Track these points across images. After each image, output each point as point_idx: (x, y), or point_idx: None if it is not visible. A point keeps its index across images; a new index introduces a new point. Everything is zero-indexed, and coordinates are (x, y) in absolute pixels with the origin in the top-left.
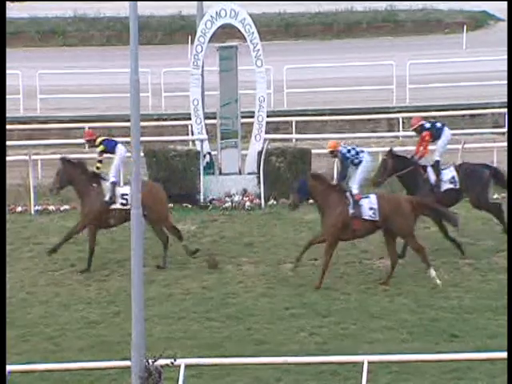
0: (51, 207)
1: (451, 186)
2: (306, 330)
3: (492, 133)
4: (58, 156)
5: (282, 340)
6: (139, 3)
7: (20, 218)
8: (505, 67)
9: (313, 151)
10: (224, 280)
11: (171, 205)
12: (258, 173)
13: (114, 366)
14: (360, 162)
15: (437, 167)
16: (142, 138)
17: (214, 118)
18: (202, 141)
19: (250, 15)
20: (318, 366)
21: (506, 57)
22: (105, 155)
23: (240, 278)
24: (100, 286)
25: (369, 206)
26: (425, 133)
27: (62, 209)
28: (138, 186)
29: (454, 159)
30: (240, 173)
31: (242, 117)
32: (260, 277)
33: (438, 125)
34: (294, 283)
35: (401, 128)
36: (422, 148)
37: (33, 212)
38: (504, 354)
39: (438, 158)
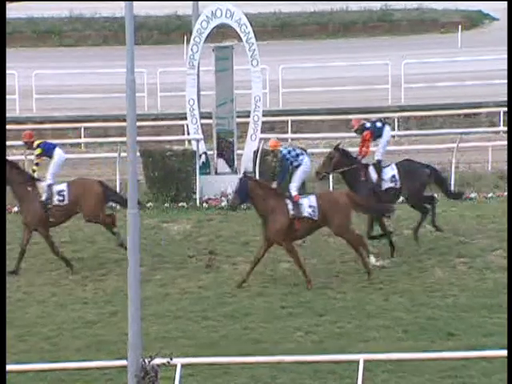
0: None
1: (392, 184)
2: (303, 328)
3: (487, 132)
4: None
5: (279, 339)
6: (135, 3)
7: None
8: (500, 66)
9: (308, 151)
10: (220, 279)
11: (166, 204)
12: (254, 172)
13: (111, 366)
14: (299, 164)
15: (378, 166)
16: (138, 138)
17: (210, 117)
18: (197, 140)
19: (246, 15)
20: (314, 365)
21: (500, 56)
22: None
23: (236, 277)
24: (96, 286)
25: (308, 204)
26: (365, 132)
27: None
28: (134, 186)
29: (449, 157)
30: (236, 172)
31: (238, 116)
32: (256, 276)
33: (379, 124)
34: (290, 282)
35: (396, 127)
36: (364, 148)
37: None
38: (500, 352)
39: (379, 158)
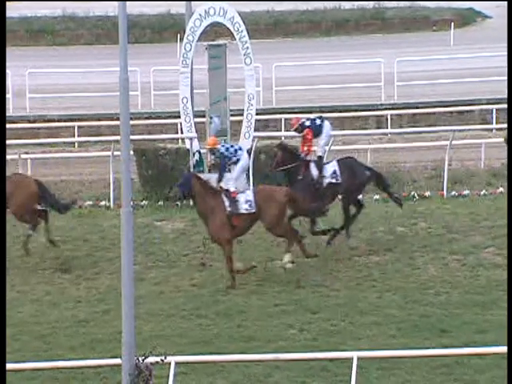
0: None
1: (333, 180)
2: (296, 326)
3: (480, 129)
4: (48, 155)
5: (272, 337)
6: (128, 2)
7: (10, 217)
8: (492, 64)
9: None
10: (214, 277)
11: (160, 203)
12: (248, 170)
13: (105, 364)
14: (238, 160)
15: (319, 163)
16: (132, 137)
17: (204, 116)
18: (191, 139)
19: (239, 13)
20: (307, 362)
21: (493, 54)
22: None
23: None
24: (90, 285)
25: (245, 199)
26: (306, 131)
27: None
28: (128, 184)
29: (441, 155)
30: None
31: (231, 115)
32: (249, 274)
33: (318, 121)
34: (284, 280)
35: (389, 125)
36: (305, 147)
37: None
38: (493, 349)
39: (320, 154)
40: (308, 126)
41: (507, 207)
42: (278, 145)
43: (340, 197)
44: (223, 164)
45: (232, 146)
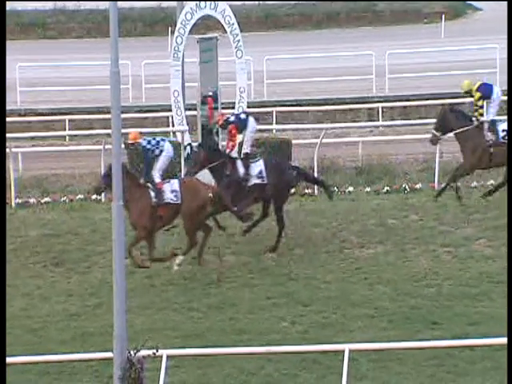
0: (32, 200)
1: (259, 180)
2: (288, 319)
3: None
4: (39, 149)
5: (264, 329)
6: None
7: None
8: (483, 56)
9: (293, 141)
10: (205, 270)
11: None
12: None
13: (96, 358)
14: (161, 151)
15: (246, 160)
16: (123, 130)
17: (195, 109)
18: (182, 132)
19: (230, 6)
20: (299, 355)
21: (484, 46)
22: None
23: (221, 268)
24: (81, 278)
25: (170, 189)
26: (230, 126)
27: (42, 201)
28: (118, 178)
29: (432, 147)
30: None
31: (223, 108)
32: (241, 267)
33: (243, 116)
34: (275, 273)
35: (380, 118)
36: (231, 142)
37: (13, 205)
38: (484, 341)
39: (246, 151)
40: (232, 122)
41: (507, 207)
42: (199, 144)
43: (269, 197)
44: (147, 158)
45: (154, 139)
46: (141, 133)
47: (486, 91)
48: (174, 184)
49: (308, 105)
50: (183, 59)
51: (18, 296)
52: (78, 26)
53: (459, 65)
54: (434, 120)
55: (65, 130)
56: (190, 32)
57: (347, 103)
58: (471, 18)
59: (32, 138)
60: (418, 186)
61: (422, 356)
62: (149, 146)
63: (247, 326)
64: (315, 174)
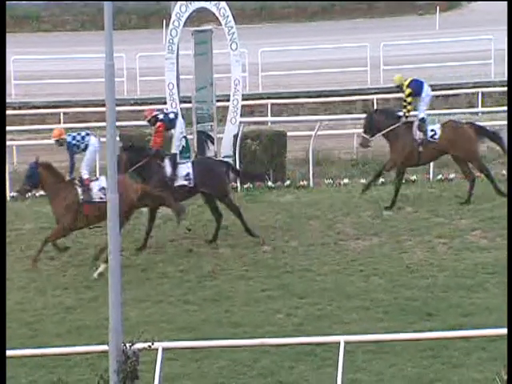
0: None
1: (185, 182)
2: (283, 311)
3: (466, 113)
4: (34, 142)
5: (259, 322)
6: None
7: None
8: (478, 47)
9: (288, 134)
10: (200, 263)
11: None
12: (234, 156)
13: (92, 351)
14: (87, 146)
15: (174, 160)
16: (118, 123)
17: (190, 101)
18: None
19: None
20: (295, 347)
21: (478, 37)
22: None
23: (216, 260)
24: (76, 272)
25: (99, 187)
26: (158, 124)
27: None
28: (114, 171)
29: None
30: (216, 156)
31: (218, 100)
32: (236, 259)
33: (171, 116)
34: (271, 265)
35: None
36: (157, 139)
37: (8, 198)
38: (479, 332)
39: (174, 151)
40: (161, 120)
41: (507, 205)
42: (120, 147)
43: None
44: (72, 153)
45: (78, 134)
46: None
47: (416, 88)
48: (102, 181)
49: (303, 97)
50: (178, 52)
51: (13, 289)
52: (72, 18)
53: (454, 56)
54: (429, 111)
55: (59, 123)
56: (185, 24)
57: (342, 95)
58: (466, 9)
59: (27, 131)
60: (413, 177)
61: (418, 347)
62: (74, 142)
63: (242, 318)
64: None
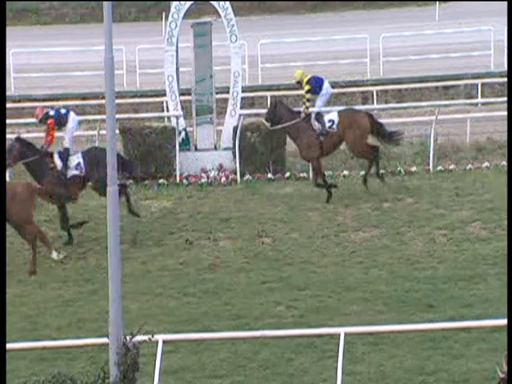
0: None
1: (77, 172)
2: (283, 303)
3: (465, 104)
4: (34, 135)
5: (259, 314)
6: None
7: None
8: (477, 38)
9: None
10: (200, 256)
11: (146, 181)
12: (234, 148)
13: (92, 344)
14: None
15: (65, 154)
16: (117, 116)
17: (189, 94)
18: (177, 117)
19: None
20: (295, 339)
21: (478, 28)
22: None
23: (217, 253)
24: (76, 264)
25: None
26: (49, 121)
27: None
28: (113, 163)
29: (427, 130)
30: (216, 148)
31: (217, 92)
32: (237, 252)
33: (63, 111)
34: (271, 257)
35: (375, 101)
36: (49, 136)
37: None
38: (479, 323)
39: (66, 146)
40: (52, 116)
41: (507, 203)
42: (15, 138)
43: (92, 186)
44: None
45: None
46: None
47: (315, 85)
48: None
49: (302, 89)
50: (177, 44)
51: (13, 283)
52: (71, 11)
53: (454, 47)
54: (429, 103)
55: None
56: (184, 17)
57: (342, 87)
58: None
59: (26, 124)
60: (413, 169)
61: (418, 339)
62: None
63: (243, 310)
64: None
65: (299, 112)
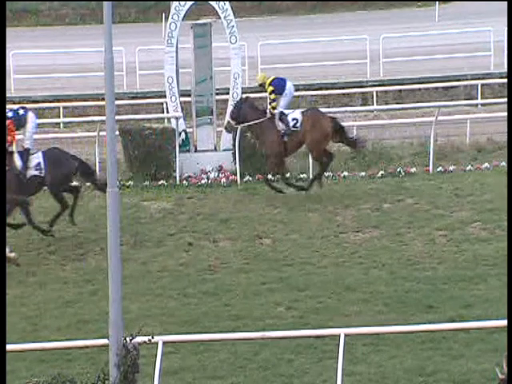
0: None
1: (36, 172)
2: (283, 304)
3: (465, 105)
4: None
5: (259, 315)
6: None
7: None
8: (477, 39)
9: None
10: (200, 257)
11: (146, 183)
12: (234, 149)
13: (92, 345)
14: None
15: (25, 154)
16: (117, 117)
17: (189, 95)
18: (177, 118)
19: None
20: (295, 340)
21: (477, 29)
22: None
23: (217, 254)
24: (76, 265)
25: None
26: (8, 121)
27: None
28: (114, 165)
29: (427, 131)
30: (215, 150)
31: (217, 94)
32: (236, 253)
33: (21, 112)
34: (271, 258)
35: (375, 102)
36: (9, 137)
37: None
38: (479, 324)
39: (27, 146)
40: (10, 117)
41: (507, 203)
42: None
43: (47, 188)
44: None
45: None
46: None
47: (278, 86)
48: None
49: (302, 89)
50: (177, 45)
51: (13, 284)
52: (71, 12)
53: (454, 48)
54: (429, 104)
55: (59, 117)
56: (184, 18)
57: (341, 88)
58: (465, 0)
59: None
60: (413, 169)
61: (418, 339)
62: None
63: (242, 311)
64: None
65: (265, 111)
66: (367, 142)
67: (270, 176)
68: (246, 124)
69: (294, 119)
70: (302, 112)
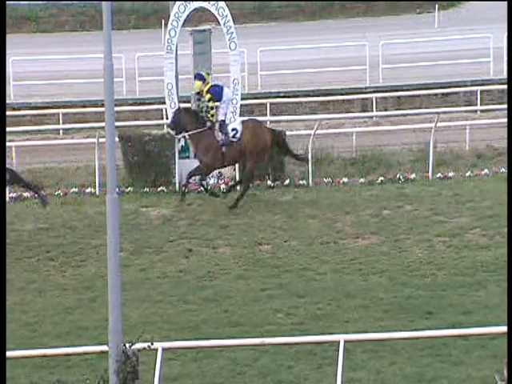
0: (26, 194)
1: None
2: (283, 310)
3: (464, 111)
4: (33, 142)
5: (259, 321)
6: None
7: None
8: (476, 46)
9: (287, 133)
10: (200, 263)
11: (146, 189)
12: None
13: (92, 351)
14: None
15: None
16: (117, 123)
17: (189, 101)
18: None
19: None
20: (294, 346)
21: (477, 35)
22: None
23: (216, 260)
24: (76, 272)
25: None
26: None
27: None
28: (113, 171)
29: (427, 137)
30: None
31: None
32: (236, 259)
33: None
34: (270, 265)
35: (374, 108)
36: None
37: (8, 199)
38: (478, 330)
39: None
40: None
41: (507, 204)
42: None
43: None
44: None
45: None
46: None
47: (216, 93)
48: None
49: (302, 96)
50: (177, 51)
51: (12, 290)
52: (71, 19)
53: (453, 54)
54: (428, 110)
55: (58, 123)
56: (184, 24)
57: (341, 94)
58: (464, 7)
59: (25, 132)
60: (413, 176)
61: (417, 346)
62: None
63: (242, 318)
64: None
65: (204, 120)
66: (307, 156)
67: (203, 181)
68: (186, 134)
69: (233, 129)
70: (243, 121)
